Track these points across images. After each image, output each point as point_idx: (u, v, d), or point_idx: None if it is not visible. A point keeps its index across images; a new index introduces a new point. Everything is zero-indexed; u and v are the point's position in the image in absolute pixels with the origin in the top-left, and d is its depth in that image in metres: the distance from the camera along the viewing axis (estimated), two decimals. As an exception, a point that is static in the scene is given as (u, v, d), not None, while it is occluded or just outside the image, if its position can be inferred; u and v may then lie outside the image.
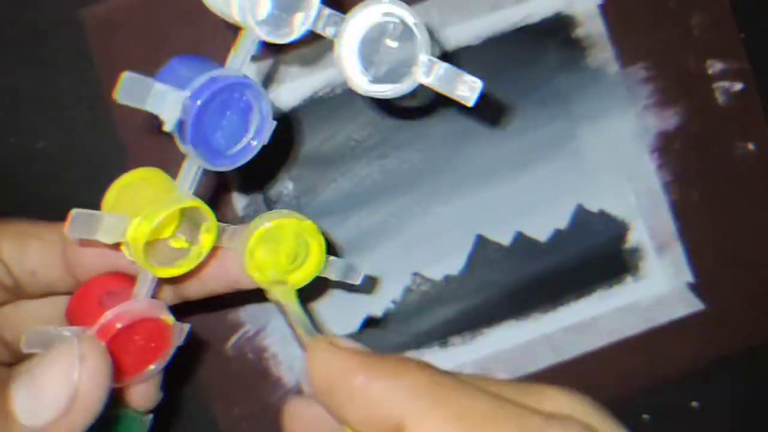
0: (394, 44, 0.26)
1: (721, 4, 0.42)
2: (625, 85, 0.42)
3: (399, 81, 0.26)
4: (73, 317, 0.30)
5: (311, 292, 0.40)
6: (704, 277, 0.43)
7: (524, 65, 0.42)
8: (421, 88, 0.26)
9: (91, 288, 0.29)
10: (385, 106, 0.41)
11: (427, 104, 0.42)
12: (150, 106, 0.24)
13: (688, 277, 0.43)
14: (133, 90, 0.24)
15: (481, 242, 0.42)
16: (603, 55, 0.42)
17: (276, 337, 0.41)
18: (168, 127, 0.25)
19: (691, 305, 0.43)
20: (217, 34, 0.38)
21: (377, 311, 0.42)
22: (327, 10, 0.26)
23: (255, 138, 0.27)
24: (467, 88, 0.26)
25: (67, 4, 0.40)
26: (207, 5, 0.26)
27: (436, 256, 0.42)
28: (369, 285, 0.42)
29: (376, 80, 0.26)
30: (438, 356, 0.42)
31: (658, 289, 0.43)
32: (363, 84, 0.26)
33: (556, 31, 0.42)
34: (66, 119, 0.41)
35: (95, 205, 0.40)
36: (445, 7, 0.41)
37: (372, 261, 0.42)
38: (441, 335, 0.42)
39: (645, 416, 0.43)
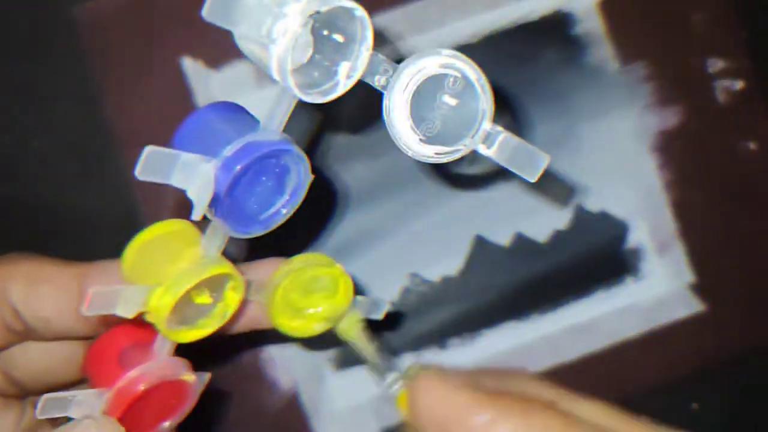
0: (452, 102, 0.23)
1: (722, 2, 0.42)
2: (625, 84, 0.42)
3: (453, 143, 0.23)
4: (90, 370, 0.28)
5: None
6: (705, 278, 0.42)
7: (523, 63, 0.41)
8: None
9: (110, 340, 0.28)
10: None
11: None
12: (176, 181, 0.21)
13: (688, 277, 0.42)
14: (157, 165, 0.20)
15: (480, 243, 0.42)
16: (603, 52, 0.42)
17: (271, 339, 0.41)
18: (197, 213, 0.21)
19: (692, 306, 0.42)
20: (212, 33, 0.37)
21: (375, 312, 0.42)
22: (379, 57, 0.22)
23: (287, 205, 0.24)
24: (532, 164, 0.23)
25: (61, 1, 0.40)
26: (243, 52, 0.23)
27: (435, 257, 0.42)
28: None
29: (428, 140, 0.23)
30: (437, 358, 0.42)
31: (659, 289, 0.42)
32: (413, 144, 0.22)
33: (556, 28, 0.41)
34: (60, 118, 0.40)
35: (91, 207, 0.41)
36: (444, 5, 0.41)
37: (370, 262, 0.41)
38: (439, 337, 0.42)
39: (645, 418, 0.43)
